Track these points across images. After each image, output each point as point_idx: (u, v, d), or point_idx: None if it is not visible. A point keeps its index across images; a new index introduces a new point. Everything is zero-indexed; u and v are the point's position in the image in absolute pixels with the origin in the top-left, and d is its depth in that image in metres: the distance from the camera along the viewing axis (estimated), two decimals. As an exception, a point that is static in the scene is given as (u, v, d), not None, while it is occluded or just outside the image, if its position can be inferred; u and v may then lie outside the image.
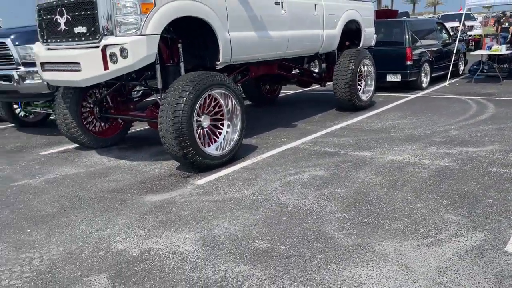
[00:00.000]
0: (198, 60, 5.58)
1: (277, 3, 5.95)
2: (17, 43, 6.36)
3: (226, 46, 5.22)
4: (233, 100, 5.10)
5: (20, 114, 7.76)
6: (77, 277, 2.80)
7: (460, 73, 12.09)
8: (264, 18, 5.74)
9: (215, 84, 4.81)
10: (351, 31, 8.14)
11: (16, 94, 6.59)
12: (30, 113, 7.77)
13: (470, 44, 19.21)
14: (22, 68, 6.35)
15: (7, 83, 6.44)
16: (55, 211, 3.89)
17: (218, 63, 5.31)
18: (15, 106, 7.69)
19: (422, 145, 5.41)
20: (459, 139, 5.60)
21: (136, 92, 7.51)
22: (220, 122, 5.10)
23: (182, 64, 5.20)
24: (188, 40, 5.36)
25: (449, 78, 10.82)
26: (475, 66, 11.20)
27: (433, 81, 10.64)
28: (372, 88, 8.17)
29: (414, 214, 3.45)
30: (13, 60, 6.40)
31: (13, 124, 7.89)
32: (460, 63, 11.97)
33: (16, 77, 6.36)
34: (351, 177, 4.39)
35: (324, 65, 8.04)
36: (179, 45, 5.15)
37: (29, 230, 3.53)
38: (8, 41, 6.38)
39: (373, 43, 8.73)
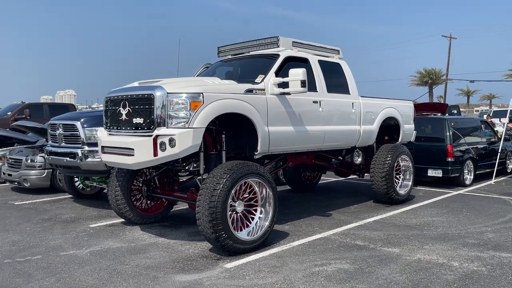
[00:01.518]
0: (239, 149, 6.10)
1: (315, 102, 6.49)
2: (85, 125, 7.29)
3: (264, 138, 5.72)
4: (267, 189, 5.46)
5: (78, 187, 8.54)
6: None
7: (509, 171, 11.83)
8: (302, 115, 6.26)
9: (250, 173, 5.23)
10: (390, 127, 8.48)
11: (78, 170, 7.39)
12: (88, 187, 8.54)
13: None
14: (86, 148, 7.20)
15: (72, 159, 7.28)
16: (94, 283, 4.26)
17: (256, 153, 5.78)
18: (76, 179, 8.51)
19: (453, 245, 5.38)
20: (494, 242, 5.51)
21: (183, 172, 8.10)
22: (254, 208, 5.44)
23: (224, 153, 5.72)
24: (231, 131, 5.93)
25: (496, 176, 10.64)
26: (523, 165, 10.97)
27: (479, 178, 10.51)
28: (410, 183, 8.26)
29: (431, 317, 3.47)
30: (79, 140, 7.30)
31: (71, 196, 8.67)
32: (508, 161, 11.78)
33: (80, 154, 7.19)
34: (375, 273, 4.46)
35: (362, 157, 8.32)
36: (223, 136, 5.71)
37: (69, 298, 3.89)
38: (78, 124, 7.33)
39: (412, 139, 8.97)
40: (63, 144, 7.60)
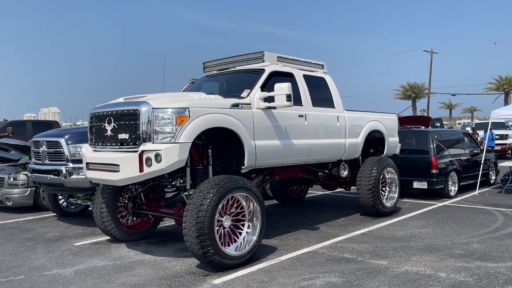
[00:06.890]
0: (226, 163, 6.08)
1: (300, 116, 6.54)
2: (69, 142, 7.21)
3: (251, 152, 5.72)
4: (254, 203, 5.44)
5: (62, 205, 8.39)
6: None
7: (492, 182, 12.02)
8: (288, 128, 6.29)
9: (237, 188, 5.21)
10: (375, 140, 8.57)
11: (62, 187, 7.27)
12: (72, 204, 8.40)
13: (507, 153, 19.14)
14: (71, 165, 7.10)
15: (56, 177, 7.17)
16: (78, 302, 4.16)
17: (243, 167, 5.77)
18: (60, 197, 8.36)
19: (440, 256, 5.42)
20: (480, 252, 5.57)
21: (170, 187, 8.03)
22: (241, 223, 5.40)
23: (210, 167, 5.70)
24: (218, 146, 5.92)
25: (480, 187, 10.80)
26: (506, 177, 11.14)
27: (463, 189, 10.65)
28: (396, 195, 8.33)
29: (419, 329, 3.46)
30: (64, 157, 7.20)
31: (55, 214, 8.50)
32: (490, 172, 11.97)
33: (64, 171, 7.09)
34: (364, 285, 4.46)
35: (348, 170, 8.36)
36: (209, 150, 5.70)
37: (52, 319, 3.79)
38: (62, 141, 7.24)
39: (397, 151, 9.06)
40: (46, 161, 7.49)
